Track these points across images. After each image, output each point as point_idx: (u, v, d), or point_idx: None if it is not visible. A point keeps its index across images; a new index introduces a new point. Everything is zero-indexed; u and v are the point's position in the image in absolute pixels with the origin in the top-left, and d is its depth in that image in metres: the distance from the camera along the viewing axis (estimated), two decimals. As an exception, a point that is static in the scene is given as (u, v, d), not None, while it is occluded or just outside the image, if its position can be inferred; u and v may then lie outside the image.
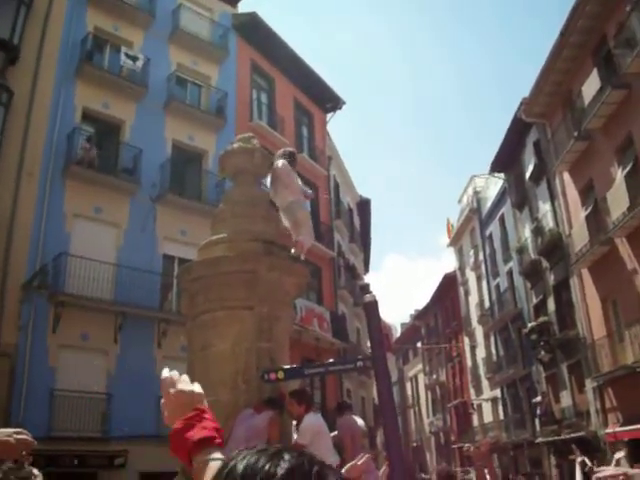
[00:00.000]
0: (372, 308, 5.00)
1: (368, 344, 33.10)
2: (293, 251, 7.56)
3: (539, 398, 27.13)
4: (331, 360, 8.18)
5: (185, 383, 1.63)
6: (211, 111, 23.37)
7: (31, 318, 16.66)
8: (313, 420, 6.43)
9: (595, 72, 20.15)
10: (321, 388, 24.96)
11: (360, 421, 8.05)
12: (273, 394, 6.39)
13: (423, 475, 48.51)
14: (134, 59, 21.14)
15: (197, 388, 1.62)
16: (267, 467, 1.04)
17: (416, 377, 59.42)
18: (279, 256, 7.18)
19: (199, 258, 7.42)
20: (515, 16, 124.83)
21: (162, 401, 1.64)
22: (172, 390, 1.61)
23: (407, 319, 65.35)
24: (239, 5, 26.90)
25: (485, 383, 38.20)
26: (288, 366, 6.30)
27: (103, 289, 18.00)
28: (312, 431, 6.36)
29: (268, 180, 7.97)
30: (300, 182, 8.26)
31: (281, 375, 5.59)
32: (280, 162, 7.81)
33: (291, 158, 7.99)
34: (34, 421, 15.54)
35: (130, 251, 19.10)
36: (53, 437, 15.80)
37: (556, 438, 25.04)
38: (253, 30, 25.81)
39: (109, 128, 20.91)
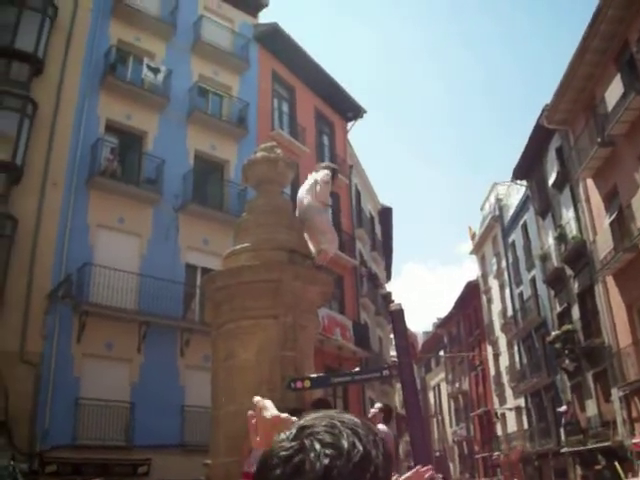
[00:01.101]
0: (398, 316, 4.99)
1: (391, 353, 33.11)
2: (316, 260, 7.55)
3: (564, 407, 26.80)
4: (357, 369, 8.17)
5: (272, 408, 1.58)
6: (232, 121, 23.51)
7: (56, 327, 16.82)
8: (385, 431, 6.42)
9: (618, 77, 20.00)
10: (343, 397, 24.88)
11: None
12: (298, 404, 6.36)
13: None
14: (156, 71, 21.33)
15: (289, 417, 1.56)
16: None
17: (439, 386, 59.06)
18: (303, 265, 7.18)
19: (223, 267, 7.44)
20: (539, 22, 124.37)
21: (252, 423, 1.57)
22: (268, 414, 1.54)
23: (429, 327, 65.06)
24: (259, 15, 27.10)
25: (509, 392, 37.84)
26: (314, 375, 6.30)
27: (127, 299, 18.13)
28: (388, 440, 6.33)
29: (301, 188, 7.91)
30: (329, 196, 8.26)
31: (308, 384, 5.58)
32: (323, 172, 7.82)
33: (334, 173, 8.04)
34: (59, 430, 15.75)
35: (153, 261, 19.22)
36: (78, 445, 15.98)
37: (582, 448, 24.72)
38: (274, 40, 25.96)
39: (132, 139, 21.10)
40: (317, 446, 1.02)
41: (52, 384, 16.22)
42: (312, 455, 1.01)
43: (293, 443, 1.05)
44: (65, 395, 16.27)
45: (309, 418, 1.11)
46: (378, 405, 7.81)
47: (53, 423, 15.86)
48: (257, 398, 1.60)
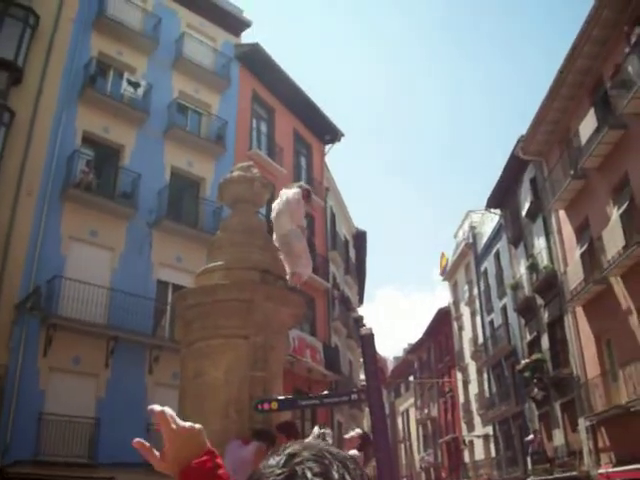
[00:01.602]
0: (368, 340, 4.99)
1: (361, 376, 33.04)
2: (289, 281, 7.54)
3: (531, 436, 26.91)
4: (326, 392, 8.12)
5: (178, 419, 1.47)
6: (211, 139, 23.51)
7: (22, 339, 16.52)
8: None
9: (592, 112, 20.37)
10: (312, 420, 24.72)
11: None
12: (264, 425, 6.31)
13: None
14: (136, 86, 21.30)
15: (193, 425, 1.48)
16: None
17: (407, 411, 58.96)
18: (275, 286, 7.17)
19: (195, 285, 7.41)
20: (515, 54, 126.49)
21: (164, 438, 1.47)
22: (174, 426, 1.43)
23: (400, 353, 65.06)
24: (242, 35, 27.24)
25: (477, 419, 37.91)
26: (282, 397, 6.26)
27: (96, 313, 17.91)
28: None
29: (273, 205, 7.87)
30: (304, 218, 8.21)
31: (275, 405, 5.54)
32: (295, 191, 7.78)
33: (306, 193, 8.01)
34: (21, 444, 15.42)
35: (125, 276, 19.05)
36: (40, 461, 15.65)
37: (548, 477, 24.79)
38: (255, 60, 26.10)
39: (109, 152, 20.99)
40: (308, 474, 1.02)
41: (16, 397, 15.87)
42: None
43: (284, 469, 1.05)
44: (29, 409, 15.93)
45: (296, 446, 1.11)
46: (358, 431, 7.73)
47: (15, 437, 15.53)
48: (158, 407, 1.47)
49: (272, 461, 1.09)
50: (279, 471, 1.05)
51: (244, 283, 6.95)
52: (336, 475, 1.02)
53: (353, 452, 7.09)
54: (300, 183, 8.46)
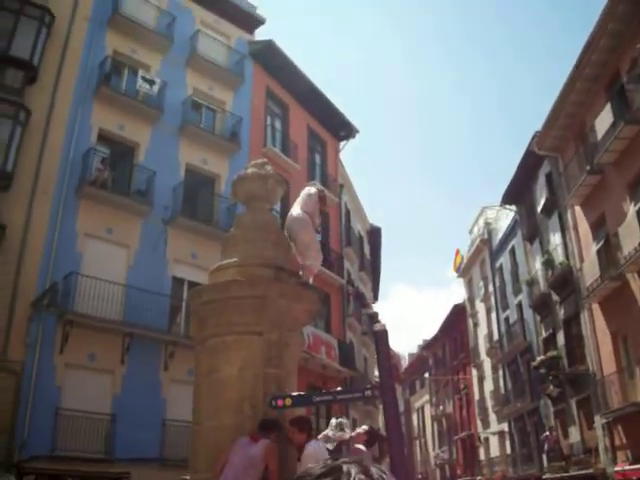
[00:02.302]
0: (382, 337, 4.99)
1: (376, 373, 33.09)
2: (301, 274, 7.56)
3: (547, 433, 26.81)
4: (339, 388, 8.14)
5: None
6: (225, 136, 23.56)
7: (39, 336, 16.67)
8: (315, 448, 6.36)
9: (608, 107, 20.22)
10: (327, 417, 24.75)
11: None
12: (262, 420, 6.29)
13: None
14: (151, 83, 21.40)
15: None
16: None
17: (422, 408, 58.89)
18: (289, 282, 7.17)
19: (210, 282, 7.43)
20: (530, 49, 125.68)
21: None
22: None
23: (415, 349, 64.96)
24: (256, 32, 27.27)
25: (492, 416, 37.80)
26: (296, 393, 6.27)
27: (112, 309, 18.03)
28: (315, 459, 6.29)
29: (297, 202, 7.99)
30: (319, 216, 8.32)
31: (289, 402, 5.56)
32: (313, 189, 7.91)
33: (323, 195, 8.17)
34: (38, 439, 15.57)
35: (140, 272, 19.15)
36: (56, 456, 15.79)
37: (564, 475, 24.69)
38: (269, 57, 26.12)
39: (124, 150, 21.10)
40: (352, 471, 1.15)
41: (33, 393, 16.03)
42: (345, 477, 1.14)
43: (327, 468, 1.17)
44: (45, 405, 16.09)
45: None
46: (365, 427, 7.80)
47: (32, 433, 15.68)
48: None
49: (314, 468, 1.20)
50: (322, 469, 1.17)
51: (257, 280, 6.95)
52: (376, 475, 1.15)
53: (360, 447, 7.11)
54: (314, 182, 8.55)
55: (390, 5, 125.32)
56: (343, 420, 7.76)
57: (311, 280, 7.76)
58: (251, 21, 26.95)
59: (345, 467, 1.13)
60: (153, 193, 20.25)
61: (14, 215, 17.16)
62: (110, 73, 20.91)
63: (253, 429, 6.19)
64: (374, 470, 1.15)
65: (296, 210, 7.74)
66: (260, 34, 27.49)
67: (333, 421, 7.75)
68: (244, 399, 6.51)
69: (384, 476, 1.16)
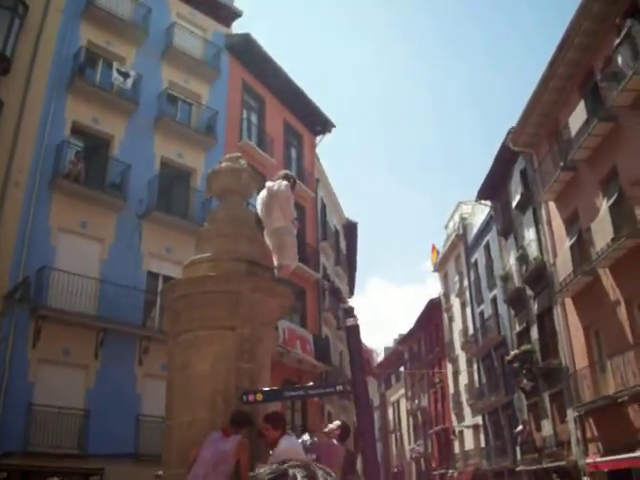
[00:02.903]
0: (354, 332, 5.01)
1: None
2: (277, 274, 7.52)
3: (520, 427, 27.11)
4: (311, 383, 8.15)
5: None
6: (201, 129, 23.44)
7: (11, 331, 16.47)
8: (290, 444, 6.35)
9: (582, 104, 20.42)
10: (302, 411, 24.80)
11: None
12: (234, 414, 6.23)
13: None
14: (125, 75, 21.18)
15: None
16: None
17: (398, 402, 59.23)
18: (263, 277, 7.16)
19: (183, 276, 7.40)
20: (505, 46, 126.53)
21: None
22: None
23: (391, 343, 65.27)
24: (233, 26, 27.12)
25: (467, 410, 38.14)
26: (268, 388, 6.27)
27: (86, 304, 17.87)
28: (288, 455, 6.27)
29: (259, 197, 7.79)
30: (294, 209, 8.09)
31: (260, 397, 5.55)
32: (283, 183, 7.69)
33: (293, 182, 7.92)
34: (11, 436, 15.40)
35: (114, 267, 19.00)
36: (29, 452, 15.65)
37: (537, 467, 25.01)
38: (245, 51, 26.01)
39: (98, 143, 20.88)
40: (298, 476, 1.19)
41: (5, 389, 15.85)
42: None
43: (275, 473, 1.21)
44: (18, 400, 15.91)
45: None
46: (337, 423, 7.87)
47: (5, 429, 15.47)
48: None
49: (263, 469, 1.24)
50: (269, 474, 1.19)
51: (231, 274, 6.93)
52: (321, 479, 1.18)
53: (333, 441, 7.15)
54: (285, 172, 8.33)
55: (362, 3, 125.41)
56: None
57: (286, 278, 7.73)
58: (228, 14, 26.80)
59: (291, 471, 1.16)
60: (128, 187, 20.08)
61: (-15, 208, 16.92)
62: (84, 65, 20.68)
63: (225, 423, 6.16)
64: (320, 473, 1.17)
65: (277, 216, 7.50)
66: (237, 27, 27.39)
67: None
68: (217, 393, 6.49)
69: (329, 479, 1.17)
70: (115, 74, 21.04)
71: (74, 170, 19.06)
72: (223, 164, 7.77)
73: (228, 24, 26.88)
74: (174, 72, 23.41)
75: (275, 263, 7.58)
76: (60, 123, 19.45)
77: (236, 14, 27.19)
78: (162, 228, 20.45)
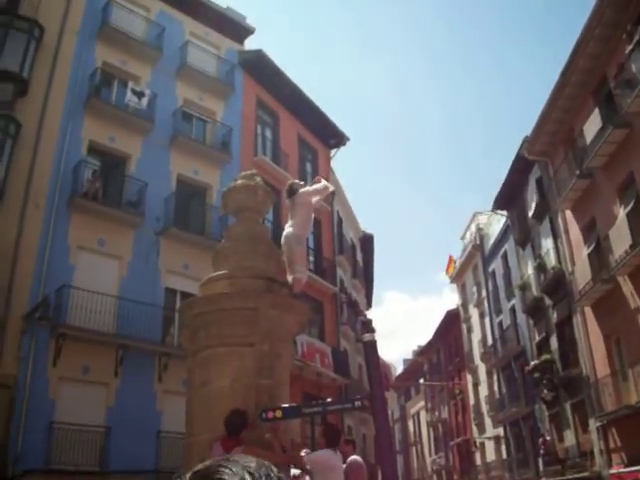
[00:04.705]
0: (371, 347, 5.02)
1: (369, 380, 32.68)
2: (292, 288, 7.54)
3: (541, 438, 26.87)
4: (329, 399, 8.11)
5: None
6: (216, 146, 23.60)
7: (32, 349, 16.59)
8: (325, 454, 6.30)
9: (596, 111, 20.36)
10: (322, 425, 24.69)
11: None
12: (227, 421, 6.15)
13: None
14: (140, 95, 21.40)
15: None
16: None
17: (418, 414, 58.84)
18: (280, 293, 7.20)
19: (200, 294, 7.45)
20: (519, 55, 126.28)
21: None
22: None
23: (410, 355, 64.95)
24: (245, 42, 27.34)
25: (488, 421, 37.83)
26: (286, 405, 6.27)
27: (105, 322, 17.98)
28: (316, 462, 6.19)
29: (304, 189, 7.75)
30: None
31: (279, 414, 5.56)
32: (316, 199, 7.73)
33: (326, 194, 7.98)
34: (32, 454, 15.49)
35: (133, 284, 19.12)
36: (51, 470, 15.70)
37: (560, 478, 24.71)
38: (259, 67, 26.20)
39: (115, 161, 21.10)
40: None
41: (26, 407, 15.94)
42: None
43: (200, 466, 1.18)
44: (39, 419, 16.01)
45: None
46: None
47: (26, 447, 15.58)
48: None
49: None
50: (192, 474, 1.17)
51: (248, 291, 6.98)
52: (256, 475, 1.14)
53: (320, 453, 6.76)
54: (326, 185, 8.21)
55: (375, 19, 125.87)
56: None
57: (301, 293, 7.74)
58: (240, 31, 27.02)
59: (220, 469, 1.14)
60: (145, 204, 20.23)
61: (6, 228, 17.12)
62: (100, 85, 20.93)
63: (247, 441, 6.12)
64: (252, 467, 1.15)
65: (288, 227, 7.50)
66: (250, 44, 27.59)
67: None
68: (237, 411, 6.52)
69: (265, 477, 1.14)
70: (129, 94, 21.27)
71: (92, 189, 19.25)
72: (239, 181, 7.85)
73: (241, 41, 27.10)
74: (188, 90, 23.63)
75: (289, 279, 7.57)
76: (77, 143, 19.68)
77: (248, 31, 27.40)
78: (179, 245, 20.57)
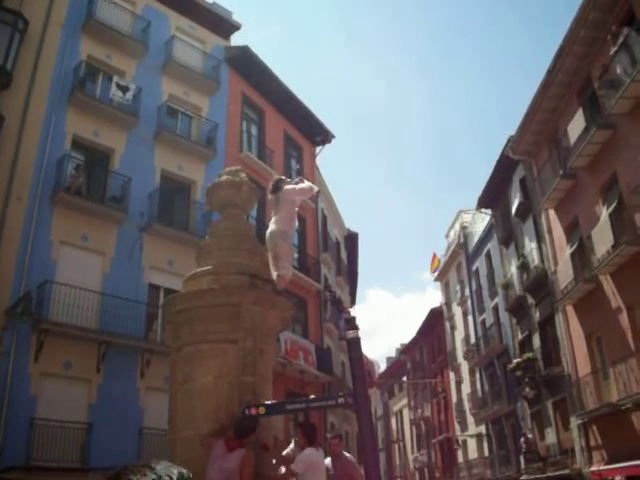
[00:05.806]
0: (355, 344, 5.02)
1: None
2: (276, 284, 7.51)
3: (524, 435, 27.04)
4: (313, 396, 8.09)
5: None
6: (201, 142, 23.50)
7: (13, 345, 16.44)
8: (312, 453, 6.37)
9: (580, 112, 20.48)
10: (298, 425, 24.67)
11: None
12: (237, 423, 6.15)
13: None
14: (125, 89, 21.25)
15: None
16: None
17: (401, 412, 59.05)
18: (264, 290, 7.17)
19: (184, 290, 7.40)
20: (505, 55, 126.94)
21: None
22: None
23: (393, 353, 65.15)
24: (231, 38, 27.25)
25: (470, 419, 38.02)
26: (269, 401, 6.25)
27: (87, 317, 17.84)
28: (307, 463, 6.29)
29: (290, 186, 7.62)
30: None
31: (262, 410, 5.55)
32: (303, 197, 7.69)
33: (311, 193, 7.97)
34: (13, 450, 15.34)
35: (116, 280, 19.00)
36: (31, 467, 15.56)
37: (541, 476, 24.90)
38: (245, 63, 26.12)
39: (99, 156, 20.95)
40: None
41: (7, 403, 15.79)
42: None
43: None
44: (20, 415, 15.86)
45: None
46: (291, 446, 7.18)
47: (7, 444, 15.43)
48: None
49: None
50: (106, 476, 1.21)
51: (231, 288, 6.95)
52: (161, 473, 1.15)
53: (307, 451, 6.76)
54: (299, 178, 8.16)
55: (362, 18, 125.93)
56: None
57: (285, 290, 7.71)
58: (227, 27, 26.91)
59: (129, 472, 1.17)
60: (128, 200, 20.10)
61: (-13, 223, 16.95)
62: (84, 79, 20.75)
63: (228, 435, 6.10)
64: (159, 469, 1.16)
65: (273, 223, 7.40)
66: (236, 40, 27.52)
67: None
68: (220, 408, 6.49)
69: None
70: (114, 89, 21.10)
71: (75, 184, 19.08)
72: (223, 177, 7.81)
73: (227, 37, 26.99)
74: (174, 85, 23.51)
75: (273, 275, 7.49)
76: (61, 137, 19.51)
77: (235, 27, 27.30)
78: (163, 241, 20.47)
